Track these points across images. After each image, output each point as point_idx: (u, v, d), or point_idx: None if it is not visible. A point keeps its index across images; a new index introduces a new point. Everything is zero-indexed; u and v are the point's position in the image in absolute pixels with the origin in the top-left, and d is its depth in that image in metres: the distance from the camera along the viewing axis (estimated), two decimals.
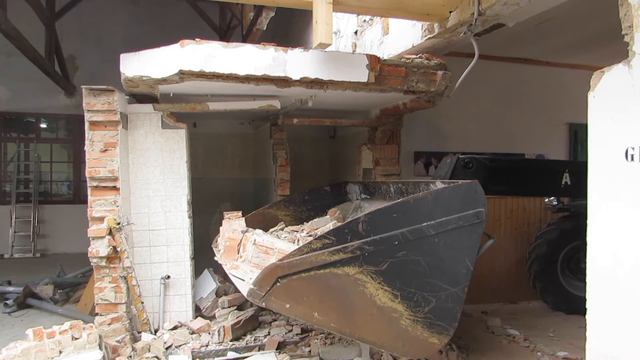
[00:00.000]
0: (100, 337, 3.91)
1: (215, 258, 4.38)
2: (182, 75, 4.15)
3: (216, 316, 5.13)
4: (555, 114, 6.96)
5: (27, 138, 10.56)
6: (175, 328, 4.87)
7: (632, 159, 2.35)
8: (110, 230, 4.50)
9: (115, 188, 4.62)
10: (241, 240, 4.01)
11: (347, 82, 4.44)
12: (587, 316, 2.65)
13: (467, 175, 4.61)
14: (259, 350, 4.43)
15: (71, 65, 10.03)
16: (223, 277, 5.69)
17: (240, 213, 4.37)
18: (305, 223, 4.92)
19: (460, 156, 4.63)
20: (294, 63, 4.25)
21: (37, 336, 3.61)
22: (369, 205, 4.88)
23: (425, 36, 4.55)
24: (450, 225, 2.83)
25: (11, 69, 9.60)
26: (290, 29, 9.43)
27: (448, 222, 2.83)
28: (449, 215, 2.84)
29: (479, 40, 4.27)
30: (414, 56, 4.80)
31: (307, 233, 4.41)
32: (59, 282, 6.70)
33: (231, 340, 4.58)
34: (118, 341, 4.36)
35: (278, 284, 2.77)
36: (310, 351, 4.42)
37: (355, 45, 6.25)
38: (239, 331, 4.70)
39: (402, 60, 4.71)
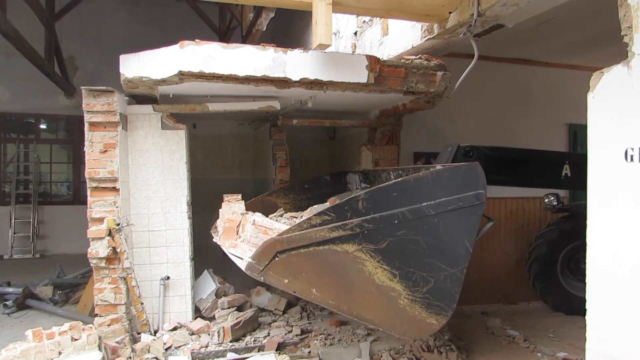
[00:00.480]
0: (99, 338, 3.90)
1: (214, 240, 4.35)
2: (182, 76, 4.15)
3: (216, 317, 5.12)
4: (554, 114, 6.96)
5: (26, 139, 10.55)
6: (174, 329, 4.87)
7: (632, 160, 2.35)
8: (110, 231, 4.49)
9: (114, 189, 4.62)
10: (240, 222, 3.98)
11: (346, 83, 4.44)
12: (587, 317, 2.65)
13: None
14: (258, 351, 4.43)
15: (71, 66, 10.02)
16: (223, 278, 5.69)
17: (239, 196, 4.36)
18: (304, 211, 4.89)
19: (460, 145, 4.62)
20: (294, 64, 4.25)
21: (37, 337, 3.61)
22: None
23: (425, 37, 4.55)
24: (450, 206, 2.84)
25: (11, 69, 9.59)
26: (290, 30, 9.43)
27: (448, 202, 2.83)
28: (448, 196, 2.84)
29: (478, 41, 4.27)
30: (413, 57, 4.80)
31: None
32: (59, 283, 6.69)
33: (231, 341, 4.57)
34: (117, 342, 4.35)
35: (277, 258, 2.75)
36: (310, 352, 4.42)
37: (355, 46, 6.25)
38: (239, 332, 4.70)
39: (401, 61, 4.71)
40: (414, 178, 2.87)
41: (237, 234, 3.97)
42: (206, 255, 5.96)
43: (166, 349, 4.44)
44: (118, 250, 4.52)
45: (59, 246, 9.97)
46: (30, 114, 10.44)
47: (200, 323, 4.88)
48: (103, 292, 4.53)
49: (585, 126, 2.64)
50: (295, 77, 4.26)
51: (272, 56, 4.21)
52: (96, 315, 4.55)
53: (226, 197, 4.41)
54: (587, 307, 2.65)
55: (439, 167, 3.45)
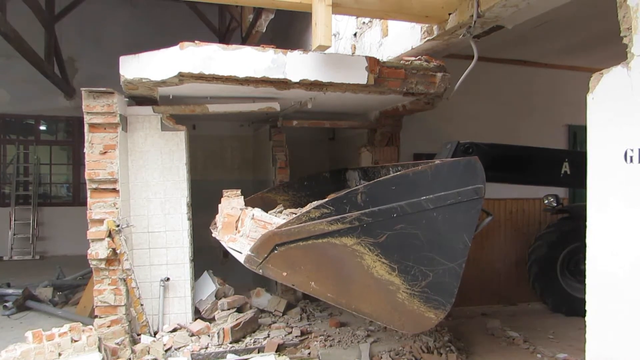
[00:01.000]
0: (99, 339, 3.90)
1: (213, 235, 4.36)
2: (182, 77, 4.15)
3: (216, 318, 5.12)
4: (554, 115, 6.96)
5: (26, 140, 10.56)
6: (174, 330, 4.87)
7: (631, 161, 2.36)
8: (110, 232, 4.49)
9: (114, 190, 4.62)
10: (239, 217, 3.98)
11: (346, 84, 4.44)
12: (586, 318, 2.65)
13: None
14: (258, 353, 4.43)
15: (70, 67, 10.03)
16: (222, 279, 5.69)
17: (239, 191, 4.36)
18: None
19: (460, 141, 4.63)
20: (294, 65, 4.25)
21: (37, 339, 3.60)
22: None
23: (425, 38, 4.55)
24: (448, 200, 2.82)
25: (10, 71, 9.60)
26: (289, 31, 9.43)
27: (447, 196, 2.82)
28: (448, 190, 2.83)
29: (478, 42, 4.28)
30: (413, 58, 4.80)
31: None
32: (58, 284, 6.69)
33: (230, 343, 4.57)
34: (117, 343, 4.35)
35: (275, 251, 2.73)
36: (309, 353, 4.41)
37: (355, 48, 6.25)
38: (239, 333, 4.70)
39: (401, 62, 4.72)
40: (413, 172, 2.87)
41: (236, 229, 3.96)
42: (206, 257, 5.95)
43: (166, 350, 4.44)
44: (118, 251, 4.52)
45: (58, 247, 9.96)
46: (30, 116, 10.45)
47: (200, 324, 4.88)
48: (103, 294, 4.53)
49: (585, 127, 2.64)
50: (295, 79, 4.26)
51: (272, 57, 4.21)
52: (96, 316, 4.54)
53: (225, 193, 4.41)
54: (586, 308, 2.65)
55: (437, 161, 3.45)
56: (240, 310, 5.25)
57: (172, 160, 5.05)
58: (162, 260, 5.02)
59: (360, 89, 4.63)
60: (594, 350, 2.61)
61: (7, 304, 5.91)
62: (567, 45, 6.06)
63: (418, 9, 4.09)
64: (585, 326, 2.66)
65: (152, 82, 4.26)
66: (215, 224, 4.69)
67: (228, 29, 9.82)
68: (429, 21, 4.34)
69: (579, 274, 5.93)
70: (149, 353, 4.34)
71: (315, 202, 4.39)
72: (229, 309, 5.18)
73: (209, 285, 5.58)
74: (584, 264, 2.68)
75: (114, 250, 4.50)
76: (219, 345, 4.54)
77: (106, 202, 4.59)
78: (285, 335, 4.79)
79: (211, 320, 5.13)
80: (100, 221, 4.53)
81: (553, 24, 4.85)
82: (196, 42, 4.08)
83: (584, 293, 2.66)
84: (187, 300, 5.08)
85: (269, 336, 4.76)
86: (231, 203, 4.18)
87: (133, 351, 4.32)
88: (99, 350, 3.82)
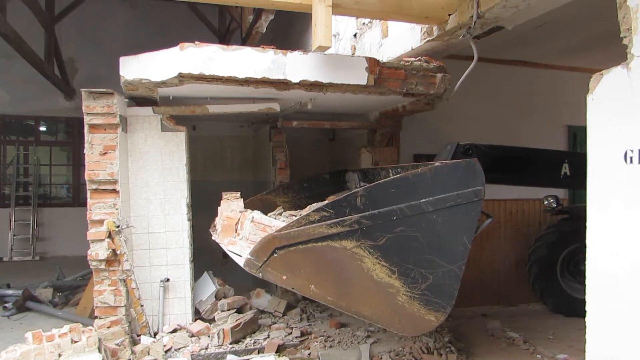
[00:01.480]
0: (99, 340, 3.90)
1: (213, 237, 4.36)
2: (182, 78, 4.15)
3: (215, 319, 5.12)
4: (554, 116, 6.96)
5: (26, 141, 10.56)
6: (174, 331, 4.86)
7: (631, 162, 2.36)
8: (110, 233, 4.49)
9: (114, 191, 4.62)
10: (239, 219, 3.99)
11: (346, 84, 4.44)
12: (586, 318, 2.65)
13: None
14: (258, 353, 4.43)
15: (71, 68, 10.03)
16: (222, 280, 5.69)
17: (238, 194, 4.37)
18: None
19: (460, 143, 4.63)
20: (294, 66, 4.26)
21: (36, 339, 3.60)
22: None
23: (425, 39, 4.55)
24: (448, 203, 2.83)
25: (10, 71, 9.59)
26: (289, 32, 9.43)
27: (446, 199, 2.82)
28: (447, 193, 2.83)
29: (478, 43, 4.28)
30: (413, 59, 4.81)
31: None
32: (58, 285, 6.69)
33: (231, 343, 4.57)
34: (117, 344, 4.35)
35: (275, 254, 2.73)
36: (309, 354, 4.41)
37: (355, 48, 6.25)
38: (239, 334, 4.69)
39: (401, 63, 4.72)
40: (412, 174, 2.87)
41: (236, 232, 3.96)
42: (206, 257, 5.95)
43: (166, 351, 4.44)
44: (118, 252, 4.52)
45: (58, 248, 9.96)
46: (30, 116, 10.45)
47: (200, 325, 4.88)
48: (103, 294, 4.52)
49: (585, 128, 2.64)
50: (295, 79, 4.27)
51: (272, 58, 4.21)
52: (96, 317, 4.54)
53: (225, 195, 4.41)
54: (586, 308, 2.65)
55: (437, 163, 3.45)
56: (240, 311, 5.25)
57: (172, 161, 5.05)
58: (162, 261, 5.02)
59: (360, 90, 4.63)
60: (594, 350, 2.61)
61: (7, 305, 5.91)
62: (567, 46, 6.07)
63: (418, 9, 4.09)
64: (585, 327, 2.66)
65: (152, 82, 4.26)
66: (215, 226, 4.69)
67: (228, 30, 9.83)
68: (429, 22, 4.34)
69: (579, 275, 5.93)
70: (149, 354, 4.34)
71: (315, 204, 4.40)
72: (229, 310, 5.18)
73: (209, 286, 5.58)
74: (584, 264, 2.68)
75: (114, 251, 4.50)
76: (219, 346, 4.53)
77: (106, 203, 4.59)
78: (285, 336, 4.79)
79: (211, 321, 5.12)
80: (100, 222, 4.53)
81: (553, 24, 4.85)
82: (196, 42, 4.09)
83: (584, 294, 2.66)
84: (187, 301, 5.08)
85: (269, 337, 4.76)
86: (231, 205, 4.17)
87: (133, 352, 4.32)
88: (99, 351, 3.81)
